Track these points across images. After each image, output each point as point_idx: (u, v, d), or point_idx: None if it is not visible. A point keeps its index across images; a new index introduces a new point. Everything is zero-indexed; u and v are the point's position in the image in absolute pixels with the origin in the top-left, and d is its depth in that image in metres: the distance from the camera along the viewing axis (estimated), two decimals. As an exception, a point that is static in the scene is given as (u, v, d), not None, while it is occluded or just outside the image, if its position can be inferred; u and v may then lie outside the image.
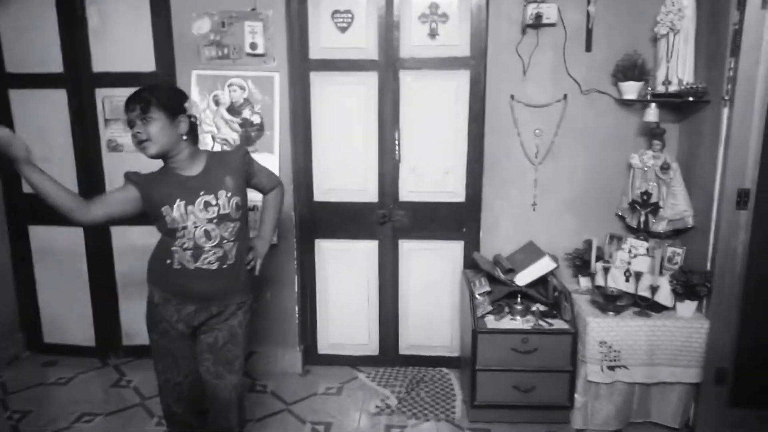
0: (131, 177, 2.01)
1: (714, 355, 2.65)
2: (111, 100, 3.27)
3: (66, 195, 1.94)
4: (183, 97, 2.05)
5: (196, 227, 1.98)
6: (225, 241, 2.03)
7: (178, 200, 1.96)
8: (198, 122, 2.16)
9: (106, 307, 3.50)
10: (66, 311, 3.53)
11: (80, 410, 2.97)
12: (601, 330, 2.66)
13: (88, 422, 2.87)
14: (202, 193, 1.99)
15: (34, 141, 3.31)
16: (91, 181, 3.34)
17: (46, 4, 3.15)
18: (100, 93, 3.27)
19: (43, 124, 3.32)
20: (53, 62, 3.23)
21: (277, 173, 3.02)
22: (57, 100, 3.28)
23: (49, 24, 3.18)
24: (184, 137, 1.99)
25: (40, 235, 3.48)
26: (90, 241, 3.42)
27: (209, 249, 2.01)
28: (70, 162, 3.34)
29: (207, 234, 2.00)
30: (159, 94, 1.95)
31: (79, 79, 3.24)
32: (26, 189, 3.41)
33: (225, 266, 2.05)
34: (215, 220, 1.99)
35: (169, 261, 2.03)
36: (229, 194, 2.02)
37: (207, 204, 1.98)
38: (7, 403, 3.04)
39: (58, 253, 3.47)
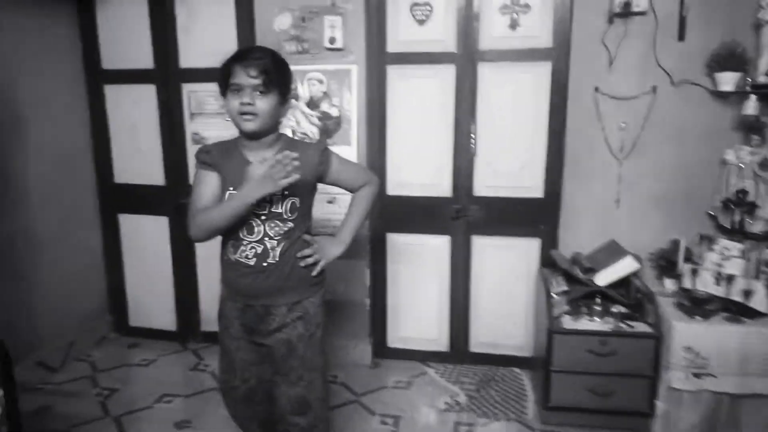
0: (205, 160, 1.88)
1: (816, 368, 2.43)
2: (196, 94, 3.40)
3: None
4: (292, 81, 1.92)
5: (244, 217, 1.82)
6: (268, 238, 1.85)
7: (231, 188, 1.84)
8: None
9: (186, 293, 3.65)
10: (150, 296, 3.71)
11: (161, 391, 3.10)
12: (687, 335, 2.50)
13: (168, 403, 2.99)
14: None
15: (126, 135, 3.52)
16: (176, 171, 3.49)
17: (139, 2, 3.32)
18: (186, 88, 3.40)
19: (134, 118, 3.50)
20: (144, 58, 3.40)
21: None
22: (147, 94, 3.45)
23: (141, 21, 3.34)
24: (280, 121, 1.88)
25: (128, 223, 3.67)
26: (174, 228, 3.57)
27: (248, 243, 1.86)
28: (157, 153, 3.50)
29: (250, 227, 1.85)
30: (281, 69, 1.81)
31: (167, 74, 3.39)
32: (117, 180, 3.61)
33: (265, 264, 1.86)
34: (263, 216, 1.84)
35: (223, 250, 1.96)
36: (287, 192, 1.82)
37: (261, 199, 1.77)
38: (97, 380, 3.23)
39: (144, 240, 3.65)
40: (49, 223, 3.27)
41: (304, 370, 1.96)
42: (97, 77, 3.50)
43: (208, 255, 3.57)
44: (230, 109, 1.79)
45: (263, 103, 1.76)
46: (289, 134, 3.13)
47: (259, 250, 1.86)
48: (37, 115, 3.18)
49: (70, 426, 2.77)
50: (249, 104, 1.74)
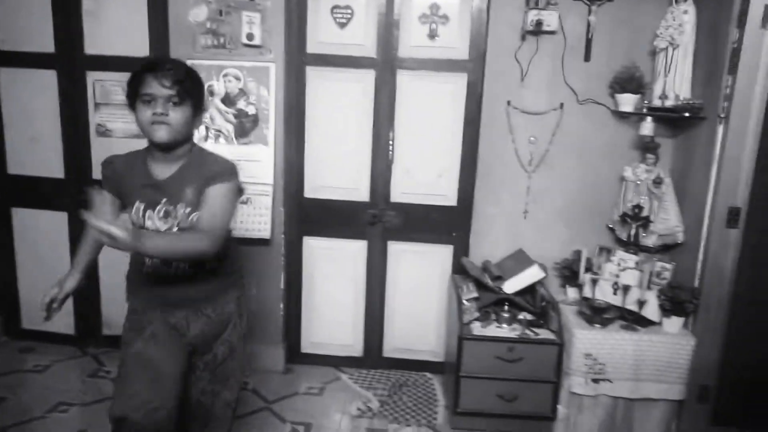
0: (105, 174, 1.84)
1: (698, 373, 2.65)
2: (102, 83, 3.21)
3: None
4: (205, 93, 1.87)
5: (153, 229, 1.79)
6: None
7: (137, 201, 1.79)
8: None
9: (87, 294, 3.44)
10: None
11: (56, 399, 2.91)
12: (587, 342, 2.65)
13: (63, 412, 2.82)
14: (164, 201, 1.78)
15: (21, 121, 3.27)
16: (78, 165, 3.28)
17: (40, -18, 3.09)
18: (92, 76, 3.20)
19: (31, 104, 3.25)
20: (45, 42, 3.16)
21: (271, 166, 3.02)
22: (47, 80, 3.21)
23: (42, 2, 3.10)
24: (192, 134, 1.83)
25: (23, 217, 3.41)
26: (74, 226, 3.36)
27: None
28: (57, 144, 3.27)
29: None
30: (195, 81, 1.78)
31: (70, 60, 3.17)
32: (10, 170, 3.35)
33: (185, 269, 1.82)
34: (171, 230, 1.80)
35: (141, 264, 1.86)
36: (189, 209, 1.78)
37: (167, 213, 1.77)
38: (-19, 388, 2.99)
39: (40, 237, 3.40)
40: (-71, 218, 2.99)
41: (239, 373, 1.99)
42: (-10, 59, 3.23)
43: (110, 254, 3.38)
44: (141, 119, 1.72)
45: (177, 114, 1.72)
46: (203, 130, 3.03)
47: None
48: None
49: (-52, 441, 2.55)
50: (162, 114, 1.70)
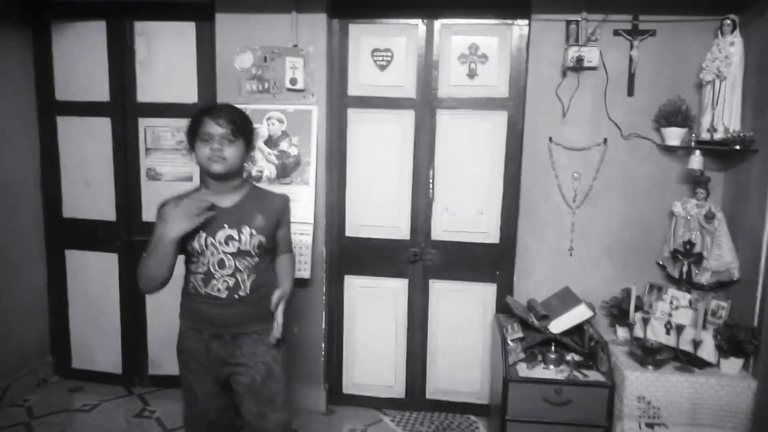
0: (160, 214, 2.00)
1: (762, 418, 2.48)
2: (153, 129, 3.35)
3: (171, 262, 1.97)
4: (255, 132, 2.12)
5: (213, 255, 1.98)
6: (239, 272, 2.00)
7: (200, 231, 1.96)
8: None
9: (134, 334, 3.51)
10: (95, 337, 3.55)
11: (102, 438, 2.95)
12: (639, 384, 2.54)
13: (109, 451, 2.85)
14: (226, 226, 1.98)
15: (77, 167, 3.42)
16: (129, 207, 3.40)
17: (98, 35, 3.28)
18: (143, 122, 3.35)
19: (86, 150, 3.41)
20: (100, 91, 3.33)
21: (311, 206, 3.05)
22: (101, 127, 3.37)
23: (98, 54, 3.29)
24: (246, 165, 2.09)
25: (75, 259, 3.53)
26: (123, 267, 3.45)
27: (220, 276, 1.99)
28: (110, 188, 3.40)
29: (221, 262, 1.99)
30: (245, 121, 2.03)
31: (123, 108, 3.33)
32: (65, 213, 3.49)
33: (236, 296, 2.00)
34: (233, 254, 1.99)
35: (189, 286, 2.06)
36: (254, 232, 2.00)
37: (229, 238, 1.98)
38: (33, 428, 3.04)
39: (92, 277, 3.51)
40: (-9, 258, 3.13)
41: (285, 395, 2.09)
42: (50, 108, 3.42)
43: (158, 296, 3.45)
44: (200, 155, 1.96)
45: (231, 151, 1.96)
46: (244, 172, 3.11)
47: (231, 283, 2.00)
48: (-17, 145, 3.08)
49: (-1, 479, 2.60)
50: (219, 149, 1.94)
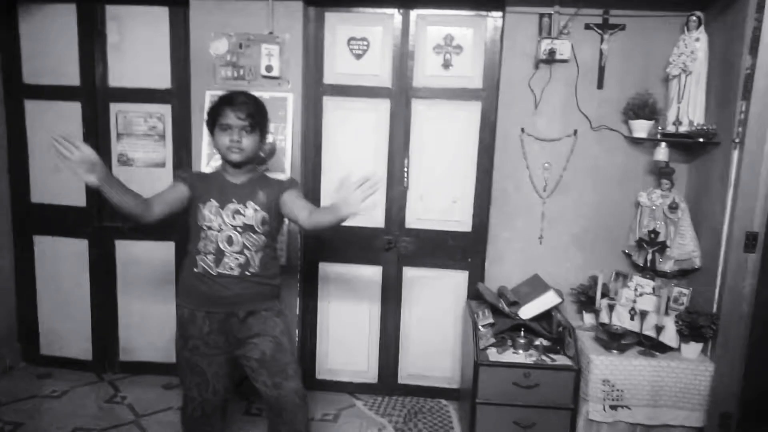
0: (181, 175, 2.19)
1: (719, 399, 2.61)
2: (125, 114, 3.31)
3: (134, 201, 2.01)
4: (269, 121, 2.23)
5: (221, 230, 2.09)
6: (247, 249, 2.11)
7: (212, 199, 2.11)
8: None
9: (105, 320, 3.48)
10: (65, 324, 3.51)
11: (72, 425, 2.93)
12: (604, 368, 2.63)
13: (80, 437, 2.83)
14: (234, 200, 2.11)
15: (46, 151, 3.36)
16: (98, 194, 3.32)
17: (67, 18, 3.21)
18: (115, 107, 3.30)
19: (55, 135, 3.33)
20: (70, 75, 3.27)
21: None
22: (71, 112, 3.32)
23: (68, 37, 3.23)
24: (260, 154, 2.22)
25: (44, 245, 3.48)
26: (94, 253, 3.42)
27: (230, 254, 2.10)
28: (80, 174, 3.34)
29: (230, 239, 2.10)
30: (262, 112, 2.14)
31: (94, 92, 3.28)
32: (34, 198, 3.43)
33: (248, 273, 2.12)
34: (239, 228, 2.10)
35: (195, 269, 2.12)
36: (257, 208, 2.12)
37: (236, 212, 2.10)
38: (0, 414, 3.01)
39: (61, 263, 3.47)
40: (-45, 245, 3.07)
41: (296, 365, 2.21)
42: (18, 91, 3.34)
43: (128, 282, 3.43)
44: (219, 144, 2.10)
45: (248, 140, 2.09)
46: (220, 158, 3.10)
47: (242, 260, 2.11)
48: (-52, 129, 3.00)
49: (-33, 465, 2.57)
50: (237, 141, 2.07)
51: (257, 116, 2.10)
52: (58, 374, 3.46)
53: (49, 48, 3.27)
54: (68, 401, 3.18)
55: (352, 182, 1.92)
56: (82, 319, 3.48)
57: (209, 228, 2.10)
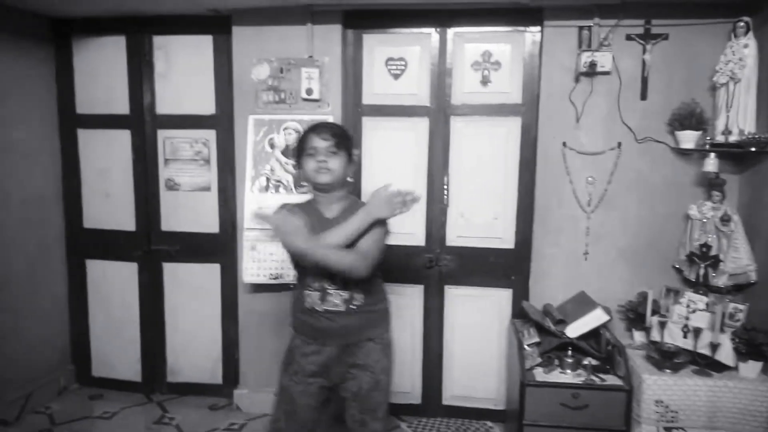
0: (285, 208, 2.16)
1: (782, 421, 2.46)
2: (171, 141, 3.41)
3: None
4: (354, 145, 2.24)
5: (323, 270, 2.06)
6: (348, 285, 2.10)
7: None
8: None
9: (153, 343, 3.56)
10: (115, 345, 3.61)
11: (123, 445, 2.99)
12: (657, 388, 2.52)
13: (129, 457, 2.88)
14: None
15: (98, 178, 3.49)
16: (148, 217, 3.46)
17: (118, 49, 3.36)
18: (162, 134, 3.41)
19: (106, 162, 3.48)
20: (120, 104, 3.41)
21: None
22: (121, 139, 3.45)
23: (118, 68, 3.37)
24: (348, 179, 2.20)
25: (96, 268, 3.59)
26: (142, 276, 3.51)
27: (333, 291, 2.10)
28: (129, 198, 3.47)
29: (332, 276, 2.09)
30: (346, 136, 2.17)
31: (143, 120, 3.40)
32: (86, 224, 3.56)
33: (353, 306, 2.12)
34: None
35: (305, 304, 2.15)
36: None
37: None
38: (54, 433, 3.10)
39: (112, 287, 3.57)
40: (13, 267, 3.20)
41: (386, 407, 2.21)
42: (71, 121, 3.50)
43: (176, 304, 3.51)
44: (308, 168, 2.11)
45: (335, 162, 2.10)
46: (264, 181, 3.15)
47: (346, 296, 2.11)
48: (8, 156, 3.16)
49: (23, 484, 2.64)
50: (324, 161, 2.08)
51: (341, 137, 2.13)
52: (109, 395, 3.55)
53: (101, 78, 3.42)
54: (119, 422, 3.25)
55: (388, 189, 2.02)
56: (132, 341, 3.57)
57: (312, 266, 2.08)
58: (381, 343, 2.20)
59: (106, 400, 3.50)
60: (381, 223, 2.10)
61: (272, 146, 3.15)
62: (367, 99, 3.20)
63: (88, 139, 3.51)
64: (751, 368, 2.53)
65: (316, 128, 2.14)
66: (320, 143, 2.09)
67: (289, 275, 2.88)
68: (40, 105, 3.39)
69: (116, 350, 3.60)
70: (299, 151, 2.16)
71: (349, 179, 2.19)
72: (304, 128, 2.23)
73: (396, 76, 3.15)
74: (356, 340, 2.15)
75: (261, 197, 3.11)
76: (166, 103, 3.39)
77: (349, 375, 2.16)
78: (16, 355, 3.21)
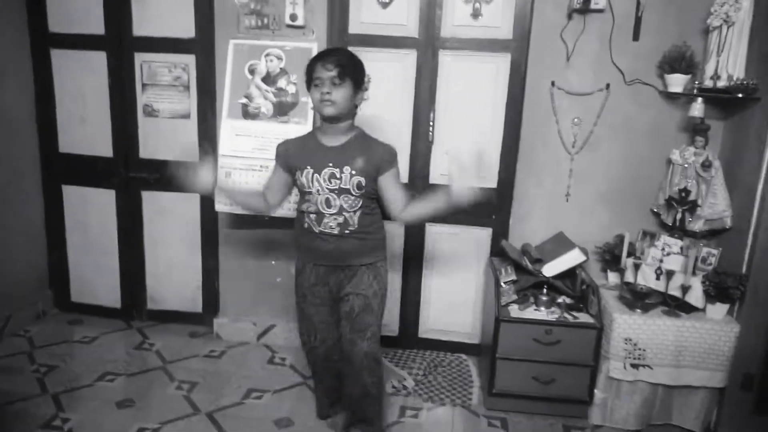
0: (278, 154, 2.27)
1: (742, 360, 2.57)
2: (149, 65, 3.29)
3: (255, 200, 2.33)
4: (365, 73, 2.21)
5: (319, 194, 2.15)
6: (345, 210, 2.17)
7: (308, 167, 2.16)
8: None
9: (133, 270, 3.56)
10: (94, 272, 3.60)
11: (103, 369, 3.03)
12: (627, 327, 2.61)
13: (110, 381, 2.93)
14: (330, 164, 2.14)
15: (73, 102, 3.38)
16: (126, 143, 3.37)
17: (91, -35, 3.17)
18: (139, 57, 3.28)
19: (81, 85, 3.36)
20: (95, 23, 3.25)
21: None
22: (97, 62, 3.31)
23: (92, -17, 3.19)
24: (357, 108, 2.21)
25: (73, 195, 3.53)
26: (120, 203, 3.46)
27: (329, 215, 2.17)
28: (106, 124, 3.37)
29: (328, 201, 2.16)
30: (353, 64, 2.13)
31: (119, 42, 3.26)
32: (62, 149, 3.47)
33: (347, 231, 2.19)
34: (335, 191, 2.15)
35: (304, 224, 2.24)
36: (354, 172, 2.14)
37: (332, 176, 2.14)
38: (34, 356, 3.12)
39: (90, 213, 3.52)
40: (-13, 192, 3.13)
41: (376, 328, 2.31)
42: (44, 41, 3.34)
43: (155, 232, 3.48)
44: (313, 99, 2.14)
45: (339, 92, 2.08)
46: (241, 108, 3.07)
47: (341, 220, 2.18)
48: (-24, 77, 3.03)
49: (5, 403, 2.67)
50: (327, 93, 2.07)
51: (348, 67, 2.09)
52: (89, 321, 3.57)
53: (74, -4, 3.24)
54: (98, 347, 3.28)
55: (467, 162, 2.09)
56: (111, 268, 3.56)
57: (309, 192, 2.17)
58: (374, 270, 2.28)
59: (86, 325, 3.52)
60: (395, 164, 2.23)
61: (252, 72, 3.05)
62: (354, 28, 3.08)
63: (61, 61, 3.36)
64: (718, 310, 2.62)
65: (321, 57, 2.11)
66: (324, 73, 2.07)
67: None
68: (9, 24, 3.21)
69: (95, 277, 3.60)
70: (307, 80, 2.15)
71: (357, 107, 2.21)
72: (318, 55, 2.17)
73: (384, 5, 3.04)
74: (350, 264, 2.24)
75: (238, 124, 3.03)
76: (143, 25, 3.24)
77: (345, 298, 2.28)
78: (-7, 278, 3.20)
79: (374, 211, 2.28)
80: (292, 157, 2.23)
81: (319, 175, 2.15)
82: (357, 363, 2.29)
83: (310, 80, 2.13)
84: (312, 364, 2.52)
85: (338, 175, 2.14)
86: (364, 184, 2.16)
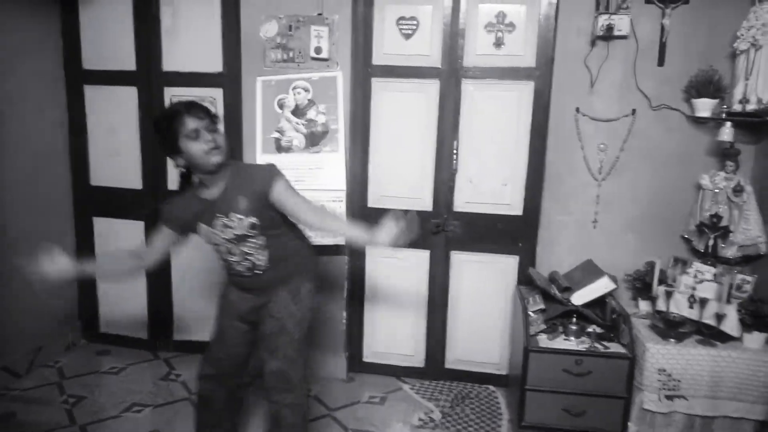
0: (162, 215, 2.19)
1: (784, 392, 2.47)
2: (178, 99, 3.35)
3: (122, 267, 2.35)
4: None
5: (221, 245, 2.14)
6: (248, 255, 2.14)
7: (200, 224, 2.12)
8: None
9: (160, 301, 3.58)
10: (122, 303, 3.63)
11: (130, 400, 3.03)
12: (660, 357, 2.54)
13: (137, 412, 2.93)
14: (218, 215, 2.09)
15: (104, 136, 3.47)
16: (155, 175, 3.44)
17: (124, 3, 3.28)
18: (168, 91, 3.36)
19: (113, 119, 3.45)
20: (127, 60, 3.35)
21: (343, 173, 3.06)
22: (128, 96, 3.40)
23: (125, 23, 3.30)
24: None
25: (103, 226, 3.59)
26: (149, 235, 3.49)
27: (236, 263, 2.17)
28: (136, 157, 3.45)
29: (230, 251, 2.15)
30: (210, 109, 2.06)
31: (149, 77, 3.35)
32: (93, 182, 3.55)
33: (258, 272, 2.18)
34: (234, 240, 2.11)
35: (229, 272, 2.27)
36: (241, 217, 2.07)
37: (224, 225, 2.09)
38: (63, 387, 3.15)
39: (119, 244, 3.55)
40: (22, 224, 3.20)
41: (290, 349, 2.20)
42: (78, 77, 3.45)
43: (182, 264, 3.52)
44: (195, 153, 1.98)
45: (219, 137, 2.02)
46: (274, 143, 3.12)
47: (248, 264, 2.16)
48: (15, 112, 3.13)
49: (33, 434, 2.70)
50: (212, 141, 1.98)
51: (210, 113, 2.03)
52: (116, 351, 3.59)
53: (107, 34, 3.35)
54: (126, 377, 3.30)
55: (399, 215, 2.01)
56: (139, 299, 3.59)
57: (215, 246, 2.16)
58: (291, 293, 2.22)
59: (114, 356, 3.55)
60: (278, 176, 2.08)
61: (282, 107, 3.11)
62: (377, 59, 3.13)
63: (94, 96, 3.46)
64: (755, 339, 2.53)
65: (186, 109, 1.98)
66: (198, 123, 1.97)
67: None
68: (46, 61, 3.33)
69: (123, 307, 3.63)
70: (171, 140, 1.98)
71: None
72: (163, 117, 2.03)
73: (407, 36, 3.08)
74: (273, 290, 2.22)
75: (273, 159, 3.07)
76: (172, 60, 3.33)
77: (262, 319, 2.25)
78: (26, 310, 3.24)
79: (286, 236, 2.22)
80: (181, 220, 2.16)
81: (213, 228, 2.10)
82: (268, 383, 2.23)
83: (177, 137, 1.97)
84: (204, 369, 2.37)
85: (229, 224, 2.07)
86: (258, 223, 2.08)
